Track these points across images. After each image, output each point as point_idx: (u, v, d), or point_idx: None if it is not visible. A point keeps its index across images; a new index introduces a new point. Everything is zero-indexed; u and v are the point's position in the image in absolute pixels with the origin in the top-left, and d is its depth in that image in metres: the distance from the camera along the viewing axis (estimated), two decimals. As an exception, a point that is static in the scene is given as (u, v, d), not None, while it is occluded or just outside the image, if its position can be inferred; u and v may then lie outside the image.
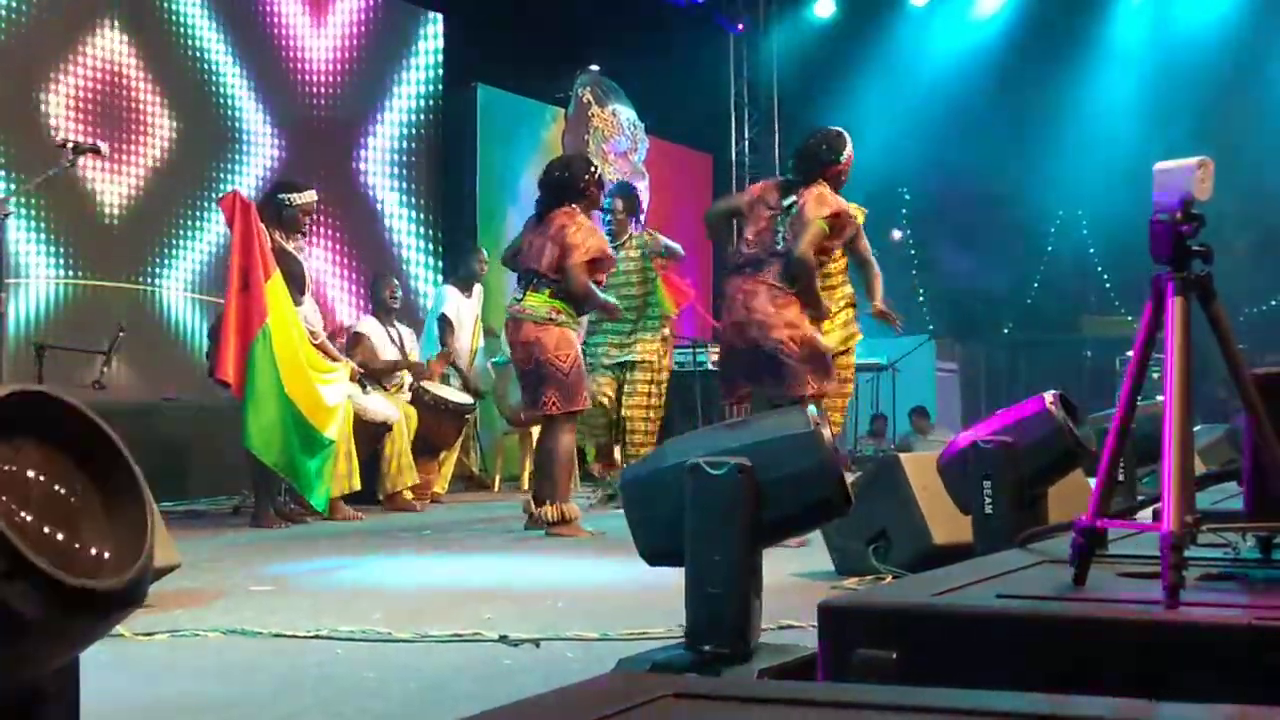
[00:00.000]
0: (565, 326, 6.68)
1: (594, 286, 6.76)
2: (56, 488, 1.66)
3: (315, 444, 7.06)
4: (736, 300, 6.38)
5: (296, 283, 7.16)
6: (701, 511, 2.65)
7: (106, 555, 1.66)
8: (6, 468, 1.61)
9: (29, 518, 1.59)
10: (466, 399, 9.07)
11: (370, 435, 7.94)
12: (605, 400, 8.12)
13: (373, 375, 8.65)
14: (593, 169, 7.07)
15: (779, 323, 6.25)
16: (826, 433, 2.70)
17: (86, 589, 1.57)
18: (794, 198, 6.42)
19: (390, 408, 8.23)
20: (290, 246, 7.28)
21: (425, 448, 8.65)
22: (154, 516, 1.74)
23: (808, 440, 2.68)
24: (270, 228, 7.14)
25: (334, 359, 7.56)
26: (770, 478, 2.64)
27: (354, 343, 8.87)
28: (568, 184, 6.86)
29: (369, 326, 8.95)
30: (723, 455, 2.66)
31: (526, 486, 9.83)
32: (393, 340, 8.89)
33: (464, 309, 9.48)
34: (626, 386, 8.23)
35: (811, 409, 2.82)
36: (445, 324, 9.35)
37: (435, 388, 8.86)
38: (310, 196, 7.43)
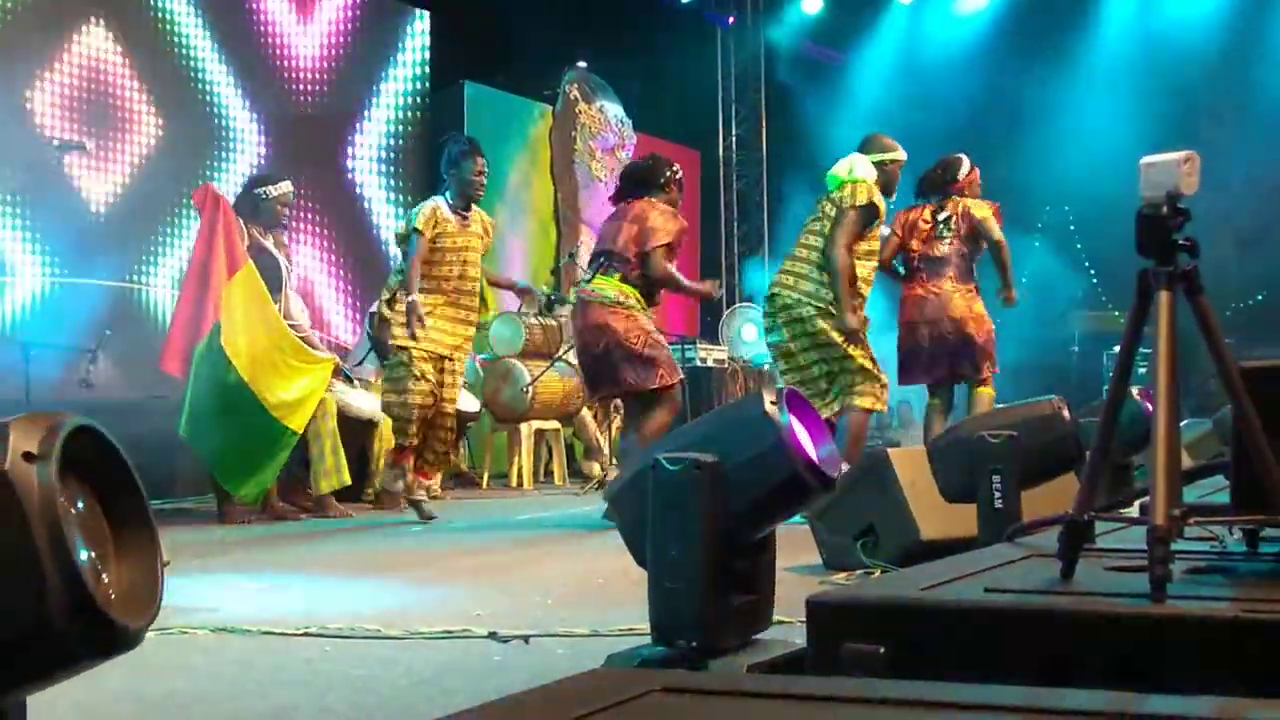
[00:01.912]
0: (634, 311, 6.77)
1: (676, 271, 6.88)
2: (92, 525, 1.66)
3: (276, 436, 7.04)
4: (929, 301, 7.84)
5: (272, 278, 7.15)
6: (660, 508, 2.64)
7: (125, 590, 1.66)
8: (73, 509, 1.60)
9: (85, 558, 1.59)
10: (474, 406, 9.05)
11: (354, 431, 7.93)
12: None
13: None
14: (675, 168, 7.20)
15: (979, 316, 7.82)
16: (780, 413, 2.69)
17: (131, 630, 1.57)
18: (947, 212, 7.94)
19: (375, 403, 8.20)
20: (269, 242, 7.29)
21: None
22: (162, 557, 1.73)
23: (761, 423, 2.68)
24: (249, 223, 7.15)
25: (315, 347, 7.54)
26: (733, 466, 2.64)
27: (377, 322, 8.83)
28: (648, 177, 7.08)
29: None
30: (686, 449, 2.66)
31: (515, 483, 9.84)
32: None
33: None
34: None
35: (779, 385, 2.84)
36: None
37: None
38: (286, 188, 7.44)
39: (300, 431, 7.14)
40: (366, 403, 8.15)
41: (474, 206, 7.35)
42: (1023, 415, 4.28)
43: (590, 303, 6.81)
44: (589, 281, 6.91)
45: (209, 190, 7.03)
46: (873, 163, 7.23)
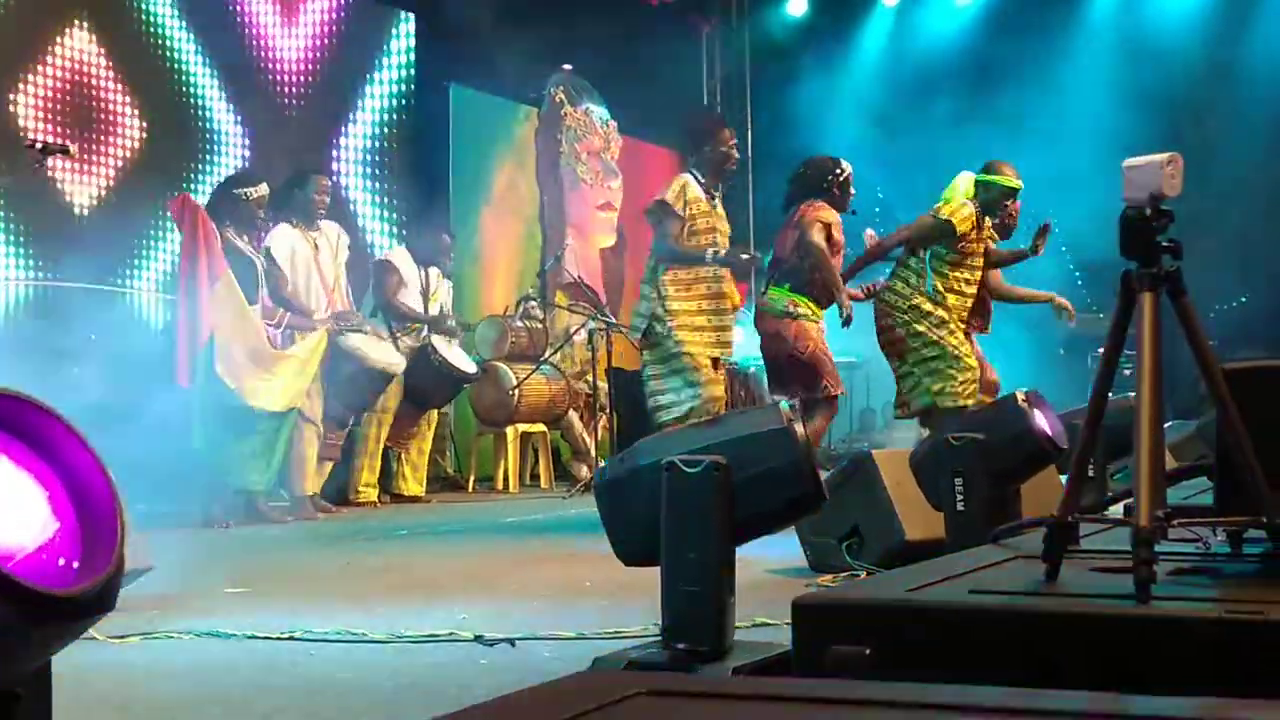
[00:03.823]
0: (803, 320, 6.90)
1: (827, 255, 6.91)
2: (28, 491, 1.65)
3: (274, 421, 7.06)
4: None
5: (248, 281, 7.15)
6: (677, 510, 2.64)
7: (77, 562, 1.66)
8: None
9: (7, 529, 1.58)
10: (471, 368, 9.04)
11: (368, 383, 7.83)
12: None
13: (392, 314, 8.63)
14: (838, 170, 7.17)
15: None
16: (800, 429, 2.71)
17: (57, 596, 1.56)
18: None
19: (392, 356, 8.08)
20: (243, 243, 7.27)
21: (419, 399, 8.68)
22: (125, 520, 1.73)
23: (782, 438, 2.69)
24: (224, 224, 7.12)
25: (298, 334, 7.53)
26: (744, 475, 2.64)
27: (380, 272, 8.79)
28: (807, 180, 7.13)
29: (400, 258, 8.83)
30: (698, 453, 2.66)
31: (501, 486, 9.83)
32: (420, 284, 8.81)
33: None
34: None
35: (785, 405, 2.83)
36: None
37: (444, 349, 8.79)
38: (264, 190, 7.42)
39: (296, 406, 7.15)
40: (382, 355, 7.96)
41: (717, 190, 7.00)
42: (986, 415, 4.30)
43: (765, 313, 6.99)
44: (765, 292, 7.03)
45: (186, 200, 7.01)
46: (977, 181, 7.32)
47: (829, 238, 6.95)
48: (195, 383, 6.92)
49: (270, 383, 7.12)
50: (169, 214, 7.17)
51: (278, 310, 7.50)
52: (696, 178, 6.88)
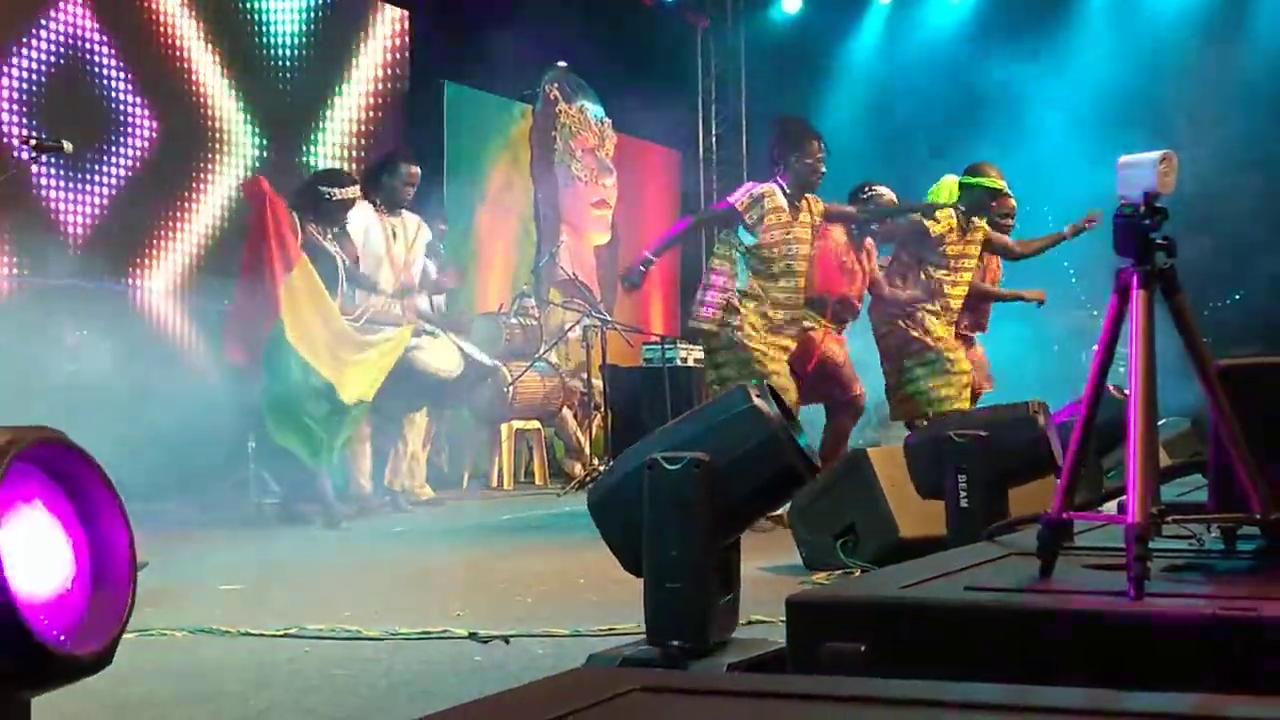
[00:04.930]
0: (807, 330, 6.95)
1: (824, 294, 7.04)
2: (54, 541, 1.65)
3: (347, 410, 6.99)
4: None
5: (329, 277, 7.05)
6: (657, 508, 2.64)
7: (86, 614, 1.66)
8: (20, 525, 1.59)
9: (29, 578, 1.58)
10: (489, 361, 9.00)
11: (421, 388, 7.73)
12: None
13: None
14: (865, 191, 7.30)
15: None
16: (768, 404, 2.70)
17: (61, 655, 1.57)
18: None
19: (448, 359, 7.90)
20: (326, 239, 7.14)
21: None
22: (136, 582, 1.73)
23: (752, 416, 2.68)
24: (306, 219, 7.02)
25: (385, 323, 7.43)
26: (726, 461, 2.64)
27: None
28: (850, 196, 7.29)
29: None
30: (677, 449, 2.66)
31: (495, 484, 9.82)
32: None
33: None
34: None
35: (753, 382, 2.85)
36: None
37: (466, 344, 8.77)
38: (353, 193, 7.20)
39: (369, 399, 7.02)
40: (437, 360, 7.80)
41: (806, 196, 6.76)
42: (995, 417, 4.31)
43: None
44: None
45: (260, 183, 6.93)
46: (960, 183, 7.35)
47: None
48: (266, 371, 6.84)
49: (345, 373, 7.01)
50: (243, 193, 7.08)
51: (357, 306, 7.36)
52: (783, 189, 6.67)
